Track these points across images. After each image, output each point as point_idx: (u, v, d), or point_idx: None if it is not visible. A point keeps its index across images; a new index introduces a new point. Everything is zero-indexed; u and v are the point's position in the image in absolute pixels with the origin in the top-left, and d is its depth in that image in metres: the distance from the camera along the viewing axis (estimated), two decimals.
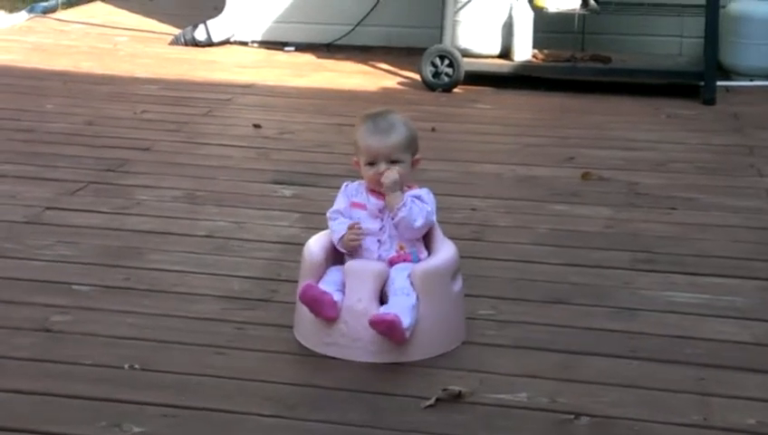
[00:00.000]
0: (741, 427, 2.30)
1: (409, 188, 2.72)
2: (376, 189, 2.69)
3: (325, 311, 2.58)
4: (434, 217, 2.71)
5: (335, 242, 2.69)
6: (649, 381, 2.50)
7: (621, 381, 2.49)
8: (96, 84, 5.49)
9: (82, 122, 4.74)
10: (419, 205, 2.66)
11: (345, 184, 2.77)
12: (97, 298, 2.92)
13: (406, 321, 2.53)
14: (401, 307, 2.54)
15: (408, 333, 2.54)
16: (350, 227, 2.65)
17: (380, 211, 2.69)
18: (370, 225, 2.68)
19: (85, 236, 3.39)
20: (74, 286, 2.99)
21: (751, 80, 5.68)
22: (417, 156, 2.71)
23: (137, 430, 2.26)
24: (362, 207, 2.71)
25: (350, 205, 2.72)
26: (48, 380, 2.47)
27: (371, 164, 2.66)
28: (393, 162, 2.65)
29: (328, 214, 2.73)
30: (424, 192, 2.71)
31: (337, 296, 2.59)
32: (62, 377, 2.48)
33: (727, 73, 5.70)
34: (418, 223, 2.66)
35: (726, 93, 5.45)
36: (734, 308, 2.90)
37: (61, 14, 7.47)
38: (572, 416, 2.34)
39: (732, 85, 5.61)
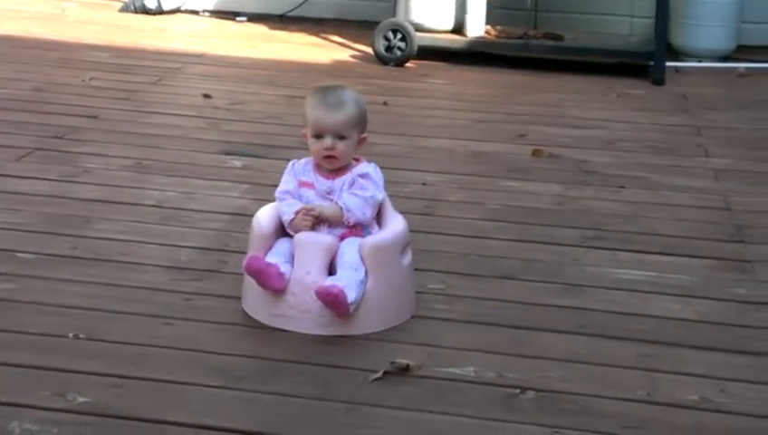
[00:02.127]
0: (684, 402, 2.33)
1: (357, 161, 2.71)
2: (322, 165, 2.68)
3: (271, 282, 2.56)
4: (380, 196, 2.70)
5: (285, 224, 2.66)
6: (596, 356, 2.52)
7: (568, 357, 2.52)
8: (44, 50, 5.40)
9: (30, 88, 4.66)
10: (359, 195, 2.63)
11: (292, 162, 2.75)
12: (42, 267, 2.88)
13: (351, 295, 2.52)
14: (348, 281, 2.54)
15: (352, 308, 2.54)
16: (304, 211, 2.63)
17: (329, 193, 2.67)
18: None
19: (30, 203, 3.34)
20: (19, 254, 2.94)
21: (700, 61, 5.74)
22: (363, 134, 2.69)
23: (81, 399, 2.23)
24: (311, 186, 2.69)
25: (298, 184, 2.70)
26: None
27: (318, 137, 2.64)
28: (340, 137, 2.63)
29: (276, 194, 2.70)
30: (371, 169, 2.70)
31: (284, 268, 2.57)
32: (5, 346, 2.44)
33: (677, 54, 5.76)
34: (368, 213, 2.66)
35: (676, 74, 5.51)
36: (679, 286, 2.94)
37: None
38: (519, 390, 2.35)
39: (681, 66, 5.67)
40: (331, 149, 2.63)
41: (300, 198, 2.69)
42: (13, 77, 4.84)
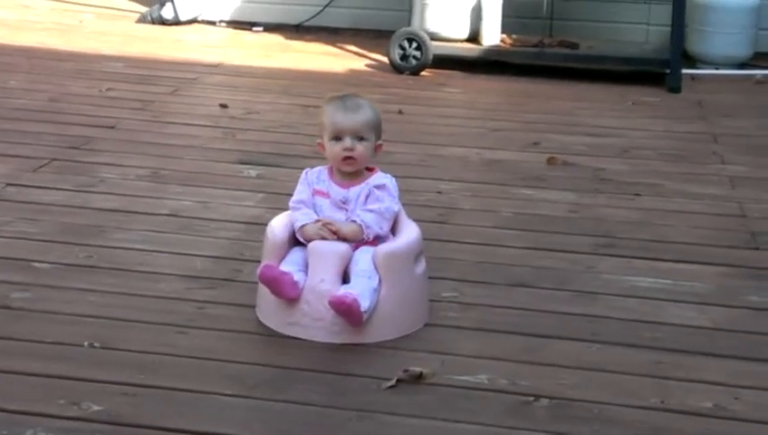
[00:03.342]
0: (698, 410, 2.33)
1: (371, 171, 2.72)
2: (340, 168, 2.69)
3: (285, 291, 2.57)
4: (396, 208, 2.70)
5: (296, 230, 2.67)
6: (609, 364, 2.52)
7: (581, 364, 2.51)
8: (61, 61, 5.44)
9: (46, 99, 4.69)
10: (375, 209, 2.64)
11: (305, 171, 2.75)
12: (58, 276, 2.90)
13: (364, 304, 2.53)
14: (362, 289, 2.54)
15: (365, 316, 2.54)
16: (324, 223, 2.63)
17: (344, 203, 2.68)
18: (335, 215, 2.67)
19: (47, 213, 3.36)
20: (35, 264, 2.96)
21: (716, 68, 5.72)
22: (380, 141, 2.71)
23: (96, 408, 2.25)
24: (325, 195, 2.69)
25: (312, 193, 2.71)
26: (7, 357, 2.45)
27: (337, 139, 2.66)
28: (360, 139, 2.64)
29: (290, 203, 2.71)
30: (388, 180, 2.70)
31: (298, 276, 2.58)
32: (21, 354, 2.46)
33: (693, 61, 5.74)
34: (385, 227, 2.67)
35: (692, 81, 5.49)
36: (693, 293, 2.93)
37: None
38: (532, 398, 2.35)
39: (697, 73, 5.65)
40: (351, 149, 2.64)
41: (314, 207, 2.70)
42: (30, 88, 4.88)
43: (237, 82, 5.22)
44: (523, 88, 5.28)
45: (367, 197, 2.67)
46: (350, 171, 2.68)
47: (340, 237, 2.62)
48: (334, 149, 2.66)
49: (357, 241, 2.64)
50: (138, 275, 2.93)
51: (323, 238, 2.61)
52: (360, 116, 2.65)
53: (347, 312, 2.51)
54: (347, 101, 2.68)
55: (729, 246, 3.29)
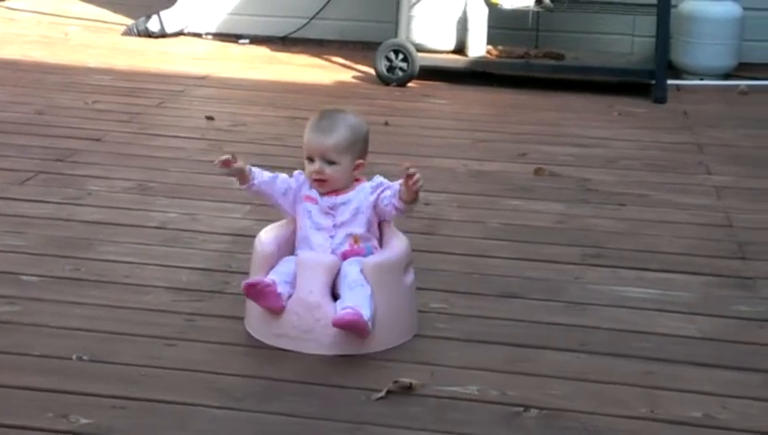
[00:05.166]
0: (687, 420, 2.33)
1: (358, 181, 2.72)
2: (314, 187, 2.69)
3: (269, 301, 2.57)
4: None
5: (220, 157, 2.66)
6: (598, 374, 2.52)
7: (570, 375, 2.52)
8: (46, 73, 5.43)
9: (32, 112, 4.68)
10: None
11: (299, 171, 2.76)
12: (46, 289, 2.89)
13: (366, 313, 2.53)
14: (359, 299, 2.54)
15: (370, 324, 2.54)
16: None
17: (331, 208, 2.68)
18: (322, 221, 2.68)
19: (34, 226, 3.35)
20: (23, 277, 2.95)
21: (701, 79, 5.75)
22: (360, 160, 2.69)
23: (84, 421, 2.24)
24: (314, 200, 2.70)
25: (303, 198, 2.71)
26: None
27: (310, 160, 2.66)
28: (329, 162, 2.64)
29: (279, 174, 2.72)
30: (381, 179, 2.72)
31: (282, 287, 2.58)
32: (9, 368, 2.45)
33: (678, 72, 5.76)
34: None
35: (677, 92, 5.52)
36: (680, 303, 2.94)
37: (11, 2, 7.37)
38: (522, 408, 2.35)
39: (682, 84, 5.68)
40: (320, 172, 2.64)
41: (303, 212, 2.69)
42: (15, 100, 4.87)
43: (224, 95, 5.22)
44: (510, 99, 5.30)
45: (378, 193, 2.68)
46: (323, 192, 2.68)
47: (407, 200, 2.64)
48: (307, 169, 2.68)
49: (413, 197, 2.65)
50: (125, 287, 2.92)
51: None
52: (328, 139, 2.63)
53: (353, 325, 2.50)
54: (323, 121, 2.66)
55: (716, 255, 3.30)
